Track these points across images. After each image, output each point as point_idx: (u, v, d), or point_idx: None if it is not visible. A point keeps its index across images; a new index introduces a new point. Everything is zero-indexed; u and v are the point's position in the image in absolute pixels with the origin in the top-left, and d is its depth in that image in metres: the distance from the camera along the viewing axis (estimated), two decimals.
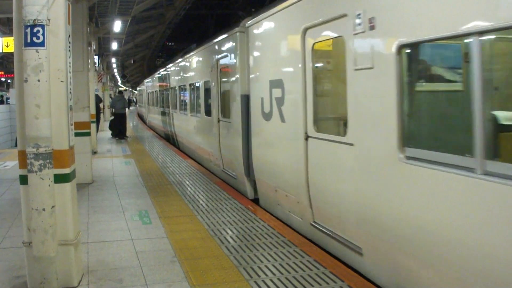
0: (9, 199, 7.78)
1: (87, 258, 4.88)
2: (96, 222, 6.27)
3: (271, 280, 4.27)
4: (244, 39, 7.63)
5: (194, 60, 12.24)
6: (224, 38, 8.78)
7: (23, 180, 3.98)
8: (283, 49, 6.08)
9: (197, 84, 11.58)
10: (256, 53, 7.18)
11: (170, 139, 17.82)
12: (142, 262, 4.76)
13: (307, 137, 5.35)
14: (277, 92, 6.15)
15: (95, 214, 6.72)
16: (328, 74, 5.87)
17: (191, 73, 12.69)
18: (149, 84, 26.48)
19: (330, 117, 5.58)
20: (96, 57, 17.73)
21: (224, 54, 8.78)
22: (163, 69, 19.36)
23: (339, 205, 4.76)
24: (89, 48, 11.81)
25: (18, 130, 4.07)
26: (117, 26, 15.15)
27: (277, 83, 6.15)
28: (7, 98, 32.26)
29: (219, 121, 9.25)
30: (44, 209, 3.76)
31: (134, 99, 62.93)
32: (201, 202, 7.35)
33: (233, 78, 8.13)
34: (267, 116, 6.55)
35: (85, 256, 4.87)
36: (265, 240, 5.40)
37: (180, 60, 14.71)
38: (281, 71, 6.06)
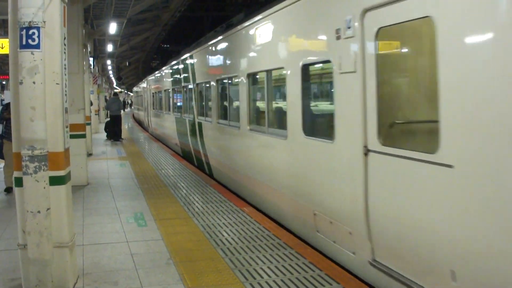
0: (4, 201, 7.75)
1: (82, 260, 4.87)
2: (91, 225, 6.26)
3: (267, 282, 4.27)
4: None
5: (263, 28, 6.84)
6: None
7: (18, 182, 3.97)
8: None
9: (271, 73, 6.83)
10: None
11: (193, 160, 12.49)
12: (138, 265, 4.76)
13: None
14: None
15: (90, 216, 6.71)
16: None
17: (256, 55, 7.36)
18: (154, 83, 20.99)
19: None
20: (91, 59, 17.70)
21: None
22: (186, 55, 13.09)
23: None
24: (84, 50, 11.81)
25: (14, 133, 4.06)
26: (112, 28, 15.13)
27: None
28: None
29: (367, 153, 4.21)
30: (39, 212, 3.75)
31: (129, 101, 62.81)
32: (196, 204, 7.35)
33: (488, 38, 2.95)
34: None
35: (80, 259, 4.86)
36: (260, 242, 5.41)
37: (227, 34, 8.85)
38: None
